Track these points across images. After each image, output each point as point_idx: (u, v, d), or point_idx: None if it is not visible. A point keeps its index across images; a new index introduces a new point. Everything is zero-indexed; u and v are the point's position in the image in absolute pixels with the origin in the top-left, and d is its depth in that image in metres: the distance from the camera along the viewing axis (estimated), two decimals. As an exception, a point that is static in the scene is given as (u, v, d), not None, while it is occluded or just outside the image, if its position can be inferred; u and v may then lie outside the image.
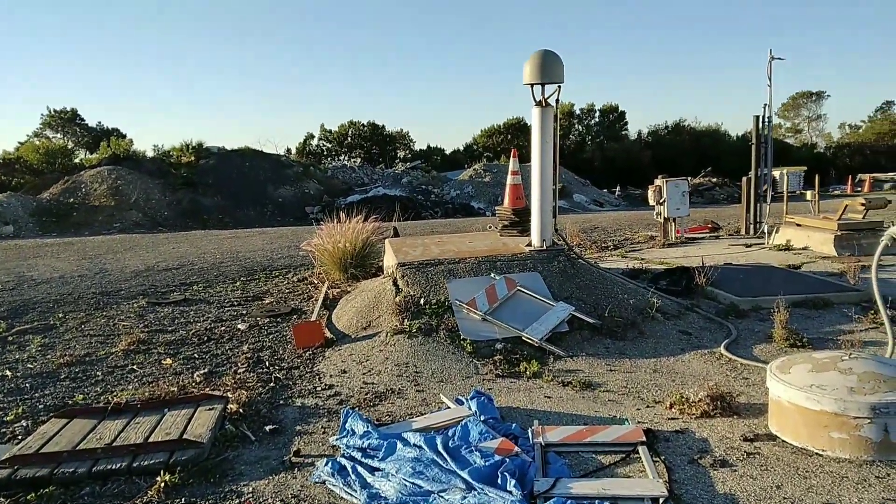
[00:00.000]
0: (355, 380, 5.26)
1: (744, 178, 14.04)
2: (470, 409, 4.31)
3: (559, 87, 6.90)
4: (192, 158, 24.59)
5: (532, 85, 6.89)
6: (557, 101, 7.12)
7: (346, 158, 33.99)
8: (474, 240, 8.52)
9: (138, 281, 10.29)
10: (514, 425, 4.12)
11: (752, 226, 13.64)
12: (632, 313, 6.42)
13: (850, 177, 30.60)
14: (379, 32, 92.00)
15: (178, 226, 21.29)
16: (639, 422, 4.26)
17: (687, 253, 11.49)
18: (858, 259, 9.33)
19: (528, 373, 5.26)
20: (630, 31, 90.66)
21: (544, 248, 7.34)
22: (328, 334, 6.43)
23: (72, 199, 21.22)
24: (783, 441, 3.81)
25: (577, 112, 38.33)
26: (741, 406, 4.39)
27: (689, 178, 28.17)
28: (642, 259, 10.99)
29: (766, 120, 13.30)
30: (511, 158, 8.70)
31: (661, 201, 13.55)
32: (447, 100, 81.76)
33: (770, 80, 13.04)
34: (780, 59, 12.90)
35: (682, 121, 40.55)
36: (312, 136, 36.11)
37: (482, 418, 4.11)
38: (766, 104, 13.16)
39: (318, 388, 5.10)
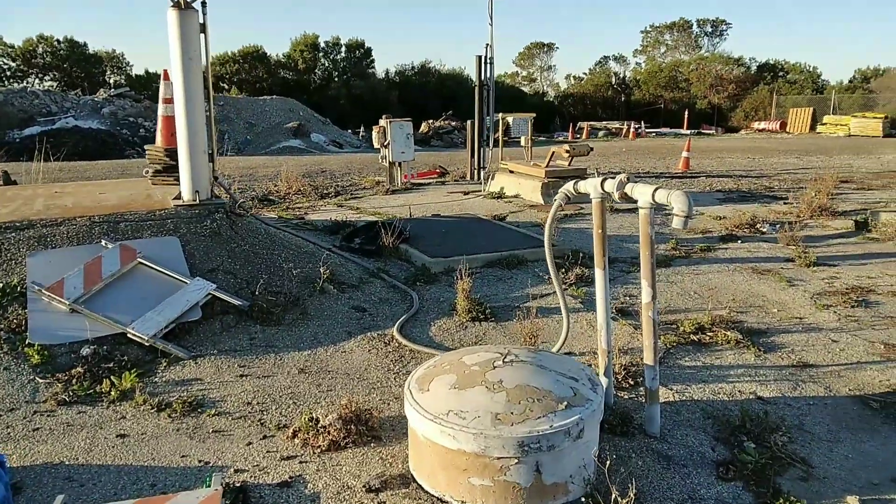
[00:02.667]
0: None
1: (468, 122, 13.59)
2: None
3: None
4: None
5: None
6: (204, 3, 5.31)
7: (38, 81, 27.58)
8: (111, 189, 6.43)
9: None
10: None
11: (476, 171, 13.31)
12: (297, 287, 5.08)
13: (572, 125, 33.36)
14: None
15: None
16: (238, 469, 2.91)
17: (408, 201, 10.60)
18: (562, 207, 9.20)
19: (113, 393, 3.61)
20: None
21: (197, 202, 5.61)
22: None
23: None
24: (420, 488, 2.74)
25: (322, 45, 35.96)
26: (387, 425, 3.28)
27: (431, 121, 28.18)
28: (358, 209, 9.83)
29: (488, 61, 12.85)
30: (162, 81, 6.64)
31: (385, 144, 12.51)
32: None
33: (491, 18, 12.54)
34: (501, -4, 12.39)
35: (428, 62, 40.62)
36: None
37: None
38: (487, 44, 12.68)
39: None
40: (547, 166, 9.75)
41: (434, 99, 34.77)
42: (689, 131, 33.41)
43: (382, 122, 12.50)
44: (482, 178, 11.77)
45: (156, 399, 3.57)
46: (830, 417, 3.43)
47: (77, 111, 20.98)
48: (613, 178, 3.26)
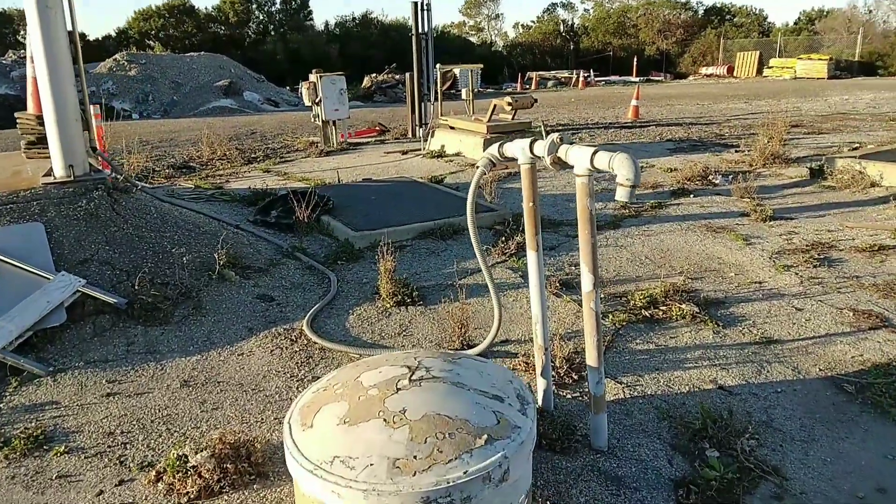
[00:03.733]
0: None
1: (407, 75, 12.70)
2: None
3: None
4: None
5: None
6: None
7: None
8: (-27, 167, 5.49)
9: None
10: None
11: (417, 128, 12.51)
12: (191, 275, 4.34)
13: (521, 75, 32.48)
14: None
15: None
16: (75, 536, 2.25)
17: (342, 163, 9.82)
18: (507, 166, 8.57)
19: (-65, 431, 2.88)
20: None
21: (71, 178, 4.77)
22: None
23: None
24: (305, 550, 2.14)
25: (256, -4, 33.79)
26: (278, 456, 2.66)
27: (374, 75, 26.91)
28: (286, 174, 9.01)
29: (426, 7, 11.92)
30: (29, 36, 5.62)
31: (317, 101, 11.57)
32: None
33: (426, -41, 11.55)
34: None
35: (369, 13, 38.86)
36: None
37: None
38: (423, -12, 11.71)
39: None
40: (489, 121, 9.07)
41: (377, 51, 33.27)
42: (638, 79, 32.97)
43: (312, 76, 11.53)
44: (422, 135, 11.00)
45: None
46: (802, 409, 2.96)
47: (-18, 75, 19.10)
48: (546, 137, 2.62)
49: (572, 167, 2.51)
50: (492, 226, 5.78)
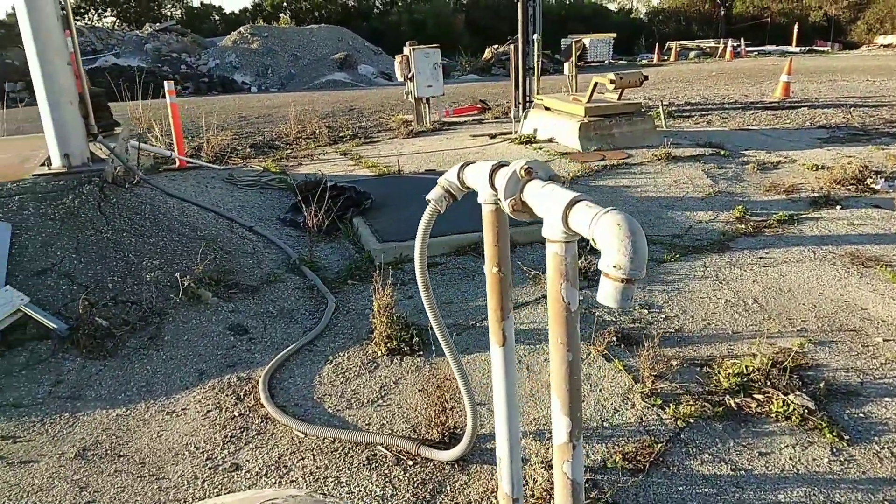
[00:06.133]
0: None
1: (511, 46, 11.46)
2: None
3: None
4: None
5: None
6: None
7: (96, 18, 27.18)
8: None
9: None
10: None
11: (521, 105, 11.29)
12: (161, 294, 3.65)
13: (658, 45, 29.68)
14: None
15: None
16: None
17: (424, 146, 8.94)
18: (603, 156, 7.23)
19: None
20: None
21: (66, 169, 4.26)
22: None
23: None
24: None
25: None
26: None
27: (495, 46, 25.65)
28: (359, 158, 8.27)
29: (533, -31, 10.57)
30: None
31: (409, 76, 10.73)
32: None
33: (536, -86, 10.19)
34: None
35: (501, -20, 37.16)
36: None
37: None
38: (531, -52, 10.36)
39: None
40: (588, 101, 7.72)
41: (504, 21, 31.81)
42: (798, 49, 28.97)
43: (406, 49, 10.68)
44: (517, 116, 9.80)
45: None
46: None
47: (123, 48, 20.28)
48: (522, 163, 1.52)
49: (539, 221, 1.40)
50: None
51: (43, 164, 4.36)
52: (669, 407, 2.69)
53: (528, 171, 1.45)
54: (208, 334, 3.44)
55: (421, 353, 3.24)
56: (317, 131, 10.50)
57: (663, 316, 3.55)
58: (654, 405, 2.72)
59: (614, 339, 3.26)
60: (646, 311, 3.60)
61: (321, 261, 4.42)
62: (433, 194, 1.82)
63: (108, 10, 27.90)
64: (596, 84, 7.61)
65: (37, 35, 4.01)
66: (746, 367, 2.91)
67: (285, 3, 30.73)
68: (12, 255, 3.60)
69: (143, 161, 7.19)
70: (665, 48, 29.41)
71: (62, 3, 4.15)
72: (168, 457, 2.57)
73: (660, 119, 8.94)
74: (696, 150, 7.48)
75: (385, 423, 2.73)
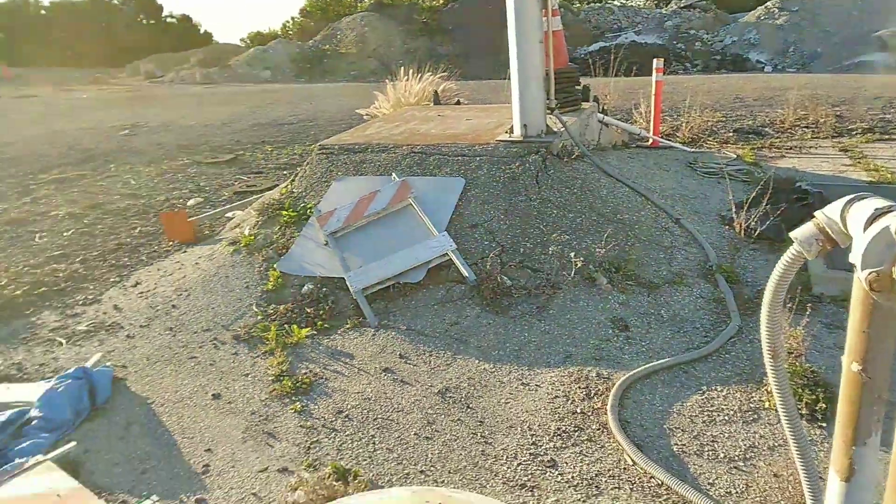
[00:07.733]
0: (138, 302, 4.10)
1: None
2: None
3: None
4: (441, 1, 23.46)
5: None
6: None
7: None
8: (483, 116, 6.01)
9: (233, 137, 10.25)
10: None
11: None
12: (563, 268, 3.68)
13: None
14: None
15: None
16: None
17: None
18: None
19: (274, 343, 3.37)
20: None
21: (521, 138, 4.69)
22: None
23: (327, 47, 22.40)
24: None
25: None
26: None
27: None
28: (861, 158, 6.77)
29: None
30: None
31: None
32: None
33: None
34: None
35: None
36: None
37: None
38: None
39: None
40: None
41: None
42: None
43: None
44: None
45: (284, 366, 3.16)
46: None
47: (645, 25, 21.18)
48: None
49: None
50: None
51: (507, 132, 4.89)
52: None
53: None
54: (589, 320, 3.35)
55: (824, 424, 2.46)
56: (820, 120, 8.99)
57: None
58: None
59: None
60: None
61: (746, 272, 3.78)
62: (800, 232, 1.27)
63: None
64: None
65: (519, 18, 4.43)
66: None
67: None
68: (458, 206, 4.18)
69: (616, 138, 7.39)
70: None
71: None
72: (503, 426, 2.63)
73: None
74: None
75: (734, 492, 2.19)
